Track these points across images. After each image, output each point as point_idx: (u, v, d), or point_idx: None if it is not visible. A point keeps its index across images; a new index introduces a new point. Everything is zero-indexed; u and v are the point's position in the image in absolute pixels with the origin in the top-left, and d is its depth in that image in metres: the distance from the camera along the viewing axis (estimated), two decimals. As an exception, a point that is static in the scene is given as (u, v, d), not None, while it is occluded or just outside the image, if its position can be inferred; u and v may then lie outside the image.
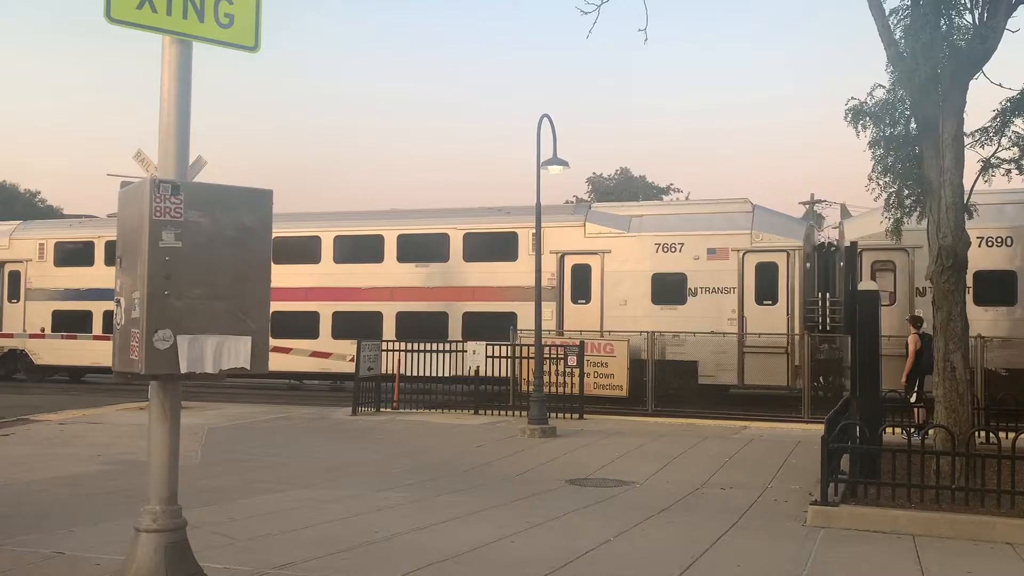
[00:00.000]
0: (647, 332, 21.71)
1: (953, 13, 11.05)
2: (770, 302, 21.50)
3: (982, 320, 18.89)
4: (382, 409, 19.99)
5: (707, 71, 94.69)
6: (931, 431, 11.05)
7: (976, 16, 11.11)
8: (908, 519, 9.18)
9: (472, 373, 20.05)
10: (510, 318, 22.89)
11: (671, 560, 7.81)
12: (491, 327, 22.41)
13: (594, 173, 59.91)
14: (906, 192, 12.23)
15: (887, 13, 11.42)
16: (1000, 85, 11.70)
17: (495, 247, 24.02)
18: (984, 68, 11.26)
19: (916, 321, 16.44)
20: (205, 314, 5.34)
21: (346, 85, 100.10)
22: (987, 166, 12.21)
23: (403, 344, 20.85)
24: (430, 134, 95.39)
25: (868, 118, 11.76)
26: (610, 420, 18.61)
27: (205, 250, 5.37)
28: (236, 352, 5.44)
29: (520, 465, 13.10)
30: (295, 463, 13.17)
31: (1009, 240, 19.90)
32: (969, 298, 19.45)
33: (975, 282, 19.13)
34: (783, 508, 10.25)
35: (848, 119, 11.85)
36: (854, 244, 18.39)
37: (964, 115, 11.23)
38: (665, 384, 21.68)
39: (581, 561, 7.78)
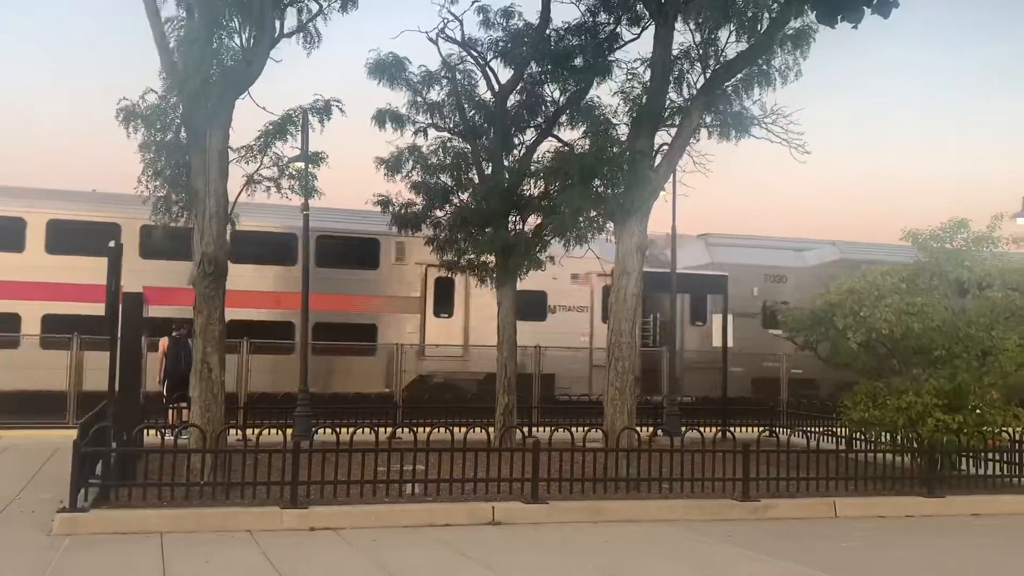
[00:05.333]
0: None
1: (224, 34, 11.66)
2: None
3: None
4: None
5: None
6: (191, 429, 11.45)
7: (243, 41, 11.89)
8: (158, 518, 9.42)
9: None
10: None
11: None
12: None
13: None
14: (175, 198, 12.53)
15: (163, 20, 11.59)
16: (264, 109, 12.68)
17: None
18: (251, 91, 12.09)
19: (174, 324, 16.67)
20: None
21: None
22: (250, 181, 13.16)
23: None
24: None
25: (140, 120, 11.76)
26: None
27: None
28: None
29: None
30: None
31: None
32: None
33: None
34: (30, 519, 9.70)
35: (120, 119, 11.70)
36: None
37: (231, 131, 11.92)
38: None
39: None
